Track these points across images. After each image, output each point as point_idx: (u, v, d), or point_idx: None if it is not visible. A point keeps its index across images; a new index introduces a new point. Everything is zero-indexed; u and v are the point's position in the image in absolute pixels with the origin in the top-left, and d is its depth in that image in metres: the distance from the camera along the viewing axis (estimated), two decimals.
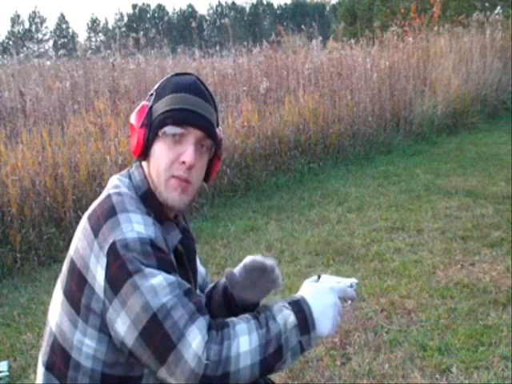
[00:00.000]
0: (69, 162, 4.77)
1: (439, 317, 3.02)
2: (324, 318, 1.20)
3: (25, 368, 2.78)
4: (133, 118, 1.32)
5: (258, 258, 1.42)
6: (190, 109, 1.27)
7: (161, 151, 1.28)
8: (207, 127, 1.29)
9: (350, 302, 1.30)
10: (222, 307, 1.47)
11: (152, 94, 1.32)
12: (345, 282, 1.29)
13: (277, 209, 5.31)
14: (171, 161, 1.27)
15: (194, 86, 1.31)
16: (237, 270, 1.44)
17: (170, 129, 1.27)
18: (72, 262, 1.24)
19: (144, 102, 1.33)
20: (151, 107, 1.30)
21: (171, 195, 1.28)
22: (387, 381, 2.50)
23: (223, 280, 1.50)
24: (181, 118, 1.27)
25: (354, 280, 1.29)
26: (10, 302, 3.66)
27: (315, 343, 1.22)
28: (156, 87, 1.33)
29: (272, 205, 5.45)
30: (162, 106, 1.28)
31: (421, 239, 4.25)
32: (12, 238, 4.18)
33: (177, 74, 1.35)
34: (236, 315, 1.23)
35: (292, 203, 5.47)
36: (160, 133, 1.28)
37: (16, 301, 3.66)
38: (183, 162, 1.26)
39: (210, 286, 1.56)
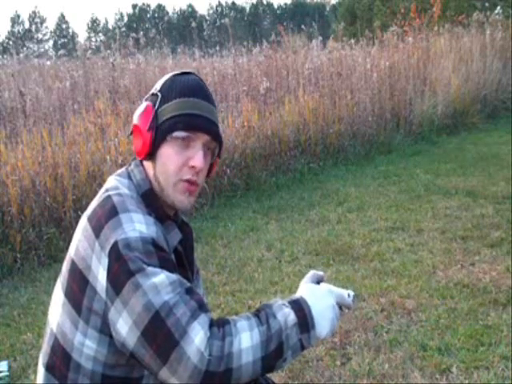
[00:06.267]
0: (69, 162, 4.77)
1: (439, 317, 3.02)
2: (323, 319, 1.21)
3: (25, 368, 2.78)
4: (137, 119, 1.30)
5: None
6: (199, 114, 1.29)
7: (169, 155, 1.28)
8: (215, 131, 1.31)
9: (346, 310, 1.30)
10: None
11: (155, 95, 1.31)
12: (342, 292, 1.28)
13: (277, 209, 5.31)
14: (180, 165, 1.28)
15: (200, 90, 1.32)
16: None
17: (179, 133, 1.28)
18: (73, 263, 1.24)
19: (148, 103, 1.31)
20: (157, 109, 1.29)
21: (179, 198, 1.30)
22: (387, 381, 2.50)
23: None
24: (191, 123, 1.28)
25: (350, 291, 1.29)
26: (10, 301, 3.66)
27: (314, 343, 1.22)
28: (159, 87, 1.32)
29: (272, 205, 5.45)
30: (170, 110, 1.28)
31: (421, 239, 4.25)
32: (12, 238, 4.17)
33: (179, 74, 1.34)
34: None
35: (292, 203, 5.47)
36: (169, 137, 1.28)
37: (16, 301, 3.66)
38: (193, 167, 1.28)
39: None
